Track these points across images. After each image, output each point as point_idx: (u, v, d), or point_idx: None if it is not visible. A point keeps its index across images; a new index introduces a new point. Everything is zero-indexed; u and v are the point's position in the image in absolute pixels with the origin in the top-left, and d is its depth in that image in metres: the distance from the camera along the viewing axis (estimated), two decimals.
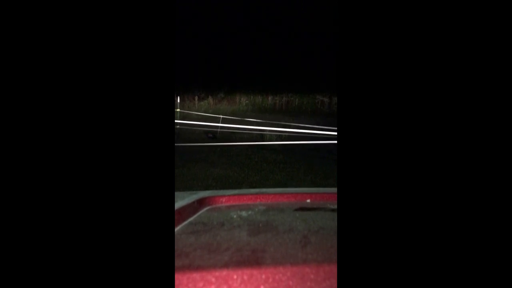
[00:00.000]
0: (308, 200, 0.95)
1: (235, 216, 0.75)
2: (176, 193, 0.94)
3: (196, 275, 0.41)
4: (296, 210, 0.81)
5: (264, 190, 1.06)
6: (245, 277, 0.41)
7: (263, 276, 0.41)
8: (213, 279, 0.41)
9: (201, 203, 0.87)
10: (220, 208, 0.87)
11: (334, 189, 1.02)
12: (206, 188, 3.81)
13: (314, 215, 0.76)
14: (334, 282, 0.41)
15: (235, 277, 0.41)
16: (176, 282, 0.40)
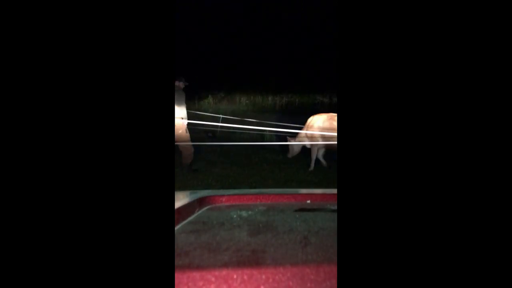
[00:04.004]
0: (308, 201, 0.95)
1: (235, 216, 0.75)
2: (176, 193, 0.94)
3: (196, 274, 0.41)
4: (296, 210, 0.81)
5: (264, 190, 1.06)
6: (245, 277, 0.41)
7: (263, 276, 0.41)
8: (213, 279, 0.41)
9: (201, 202, 0.87)
10: (220, 208, 0.87)
11: (334, 190, 1.02)
12: (206, 187, 3.81)
13: (314, 215, 0.76)
14: (334, 282, 0.41)
15: (235, 276, 0.41)
16: (176, 281, 0.40)
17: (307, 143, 5.38)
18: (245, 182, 4.19)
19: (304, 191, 1.05)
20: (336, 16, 0.48)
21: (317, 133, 5.15)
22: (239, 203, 0.91)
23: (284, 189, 1.10)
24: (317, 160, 5.29)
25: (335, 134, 4.64)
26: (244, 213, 0.78)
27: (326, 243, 0.54)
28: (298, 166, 5.36)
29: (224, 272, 0.42)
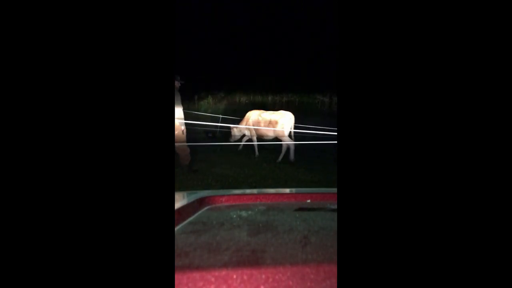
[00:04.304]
0: (308, 200, 0.95)
1: (235, 216, 0.75)
2: (176, 193, 0.94)
3: (196, 275, 0.41)
4: (296, 210, 0.81)
5: (264, 190, 1.06)
6: (245, 277, 0.41)
7: (263, 276, 0.41)
8: (213, 279, 0.41)
9: (201, 202, 0.87)
10: (220, 208, 0.87)
11: (334, 189, 1.02)
12: (206, 187, 3.80)
13: (314, 215, 0.76)
14: (334, 282, 0.41)
15: (234, 277, 0.41)
16: (176, 281, 0.40)
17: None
18: (245, 182, 4.18)
19: (304, 190, 1.05)
20: (336, 16, 0.48)
21: (242, 126, 6.18)
22: (239, 203, 0.91)
23: (284, 189, 1.10)
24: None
25: (262, 127, 5.70)
26: (244, 213, 0.78)
27: (326, 242, 0.54)
28: (298, 166, 5.36)
29: (224, 272, 0.42)
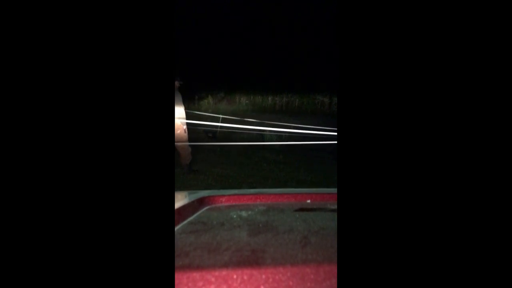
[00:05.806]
0: (308, 201, 0.95)
1: (235, 216, 0.75)
2: (176, 193, 0.94)
3: (196, 275, 0.41)
4: (296, 210, 0.81)
5: (264, 190, 1.06)
6: (245, 277, 0.41)
7: (263, 276, 0.41)
8: (213, 279, 0.41)
9: (201, 202, 0.87)
10: (220, 208, 0.87)
11: (334, 189, 1.02)
12: (206, 187, 3.80)
13: (314, 215, 0.76)
14: (334, 282, 0.41)
15: (235, 277, 0.41)
16: (176, 281, 0.40)
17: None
18: (245, 182, 4.19)
19: (304, 190, 1.05)
20: (336, 15, 0.48)
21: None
22: (239, 203, 0.91)
23: (284, 189, 1.10)
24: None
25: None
26: (244, 213, 0.78)
27: (326, 243, 0.54)
28: (298, 166, 5.37)
29: (224, 272, 0.42)
